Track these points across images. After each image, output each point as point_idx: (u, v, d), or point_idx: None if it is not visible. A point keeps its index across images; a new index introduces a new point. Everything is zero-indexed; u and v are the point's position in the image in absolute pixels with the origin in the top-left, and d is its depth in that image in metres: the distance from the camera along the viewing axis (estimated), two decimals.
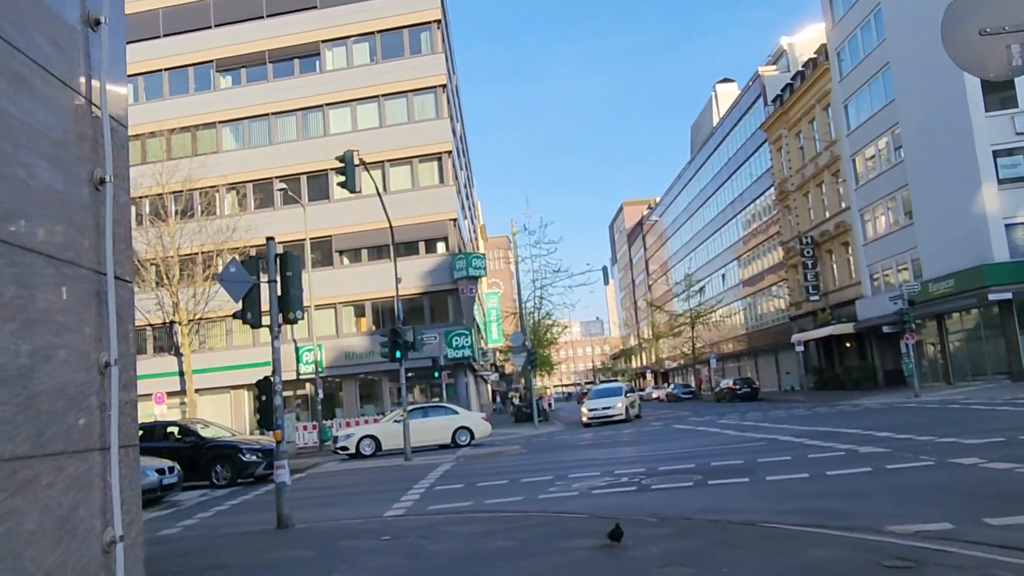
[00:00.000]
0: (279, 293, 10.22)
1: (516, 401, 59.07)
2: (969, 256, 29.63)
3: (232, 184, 36.78)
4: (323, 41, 37.49)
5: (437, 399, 32.59)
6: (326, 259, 35.97)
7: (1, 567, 2.66)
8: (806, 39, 51.57)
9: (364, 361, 34.20)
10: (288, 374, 24.32)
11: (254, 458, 18.10)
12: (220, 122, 37.78)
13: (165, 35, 38.06)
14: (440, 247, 35.94)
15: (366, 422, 27.37)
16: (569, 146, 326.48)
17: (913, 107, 33.31)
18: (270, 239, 10.59)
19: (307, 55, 37.71)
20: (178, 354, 34.82)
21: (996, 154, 29.27)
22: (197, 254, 33.50)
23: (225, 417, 32.77)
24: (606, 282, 49.66)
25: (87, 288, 3.38)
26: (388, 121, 36.68)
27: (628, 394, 34.52)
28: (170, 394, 32.46)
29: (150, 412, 28.28)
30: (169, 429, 19.40)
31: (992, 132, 29.19)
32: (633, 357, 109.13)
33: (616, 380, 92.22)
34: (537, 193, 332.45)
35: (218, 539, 9.79)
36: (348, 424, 29.65)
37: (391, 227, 22.52)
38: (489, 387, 61.88)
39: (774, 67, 53.74)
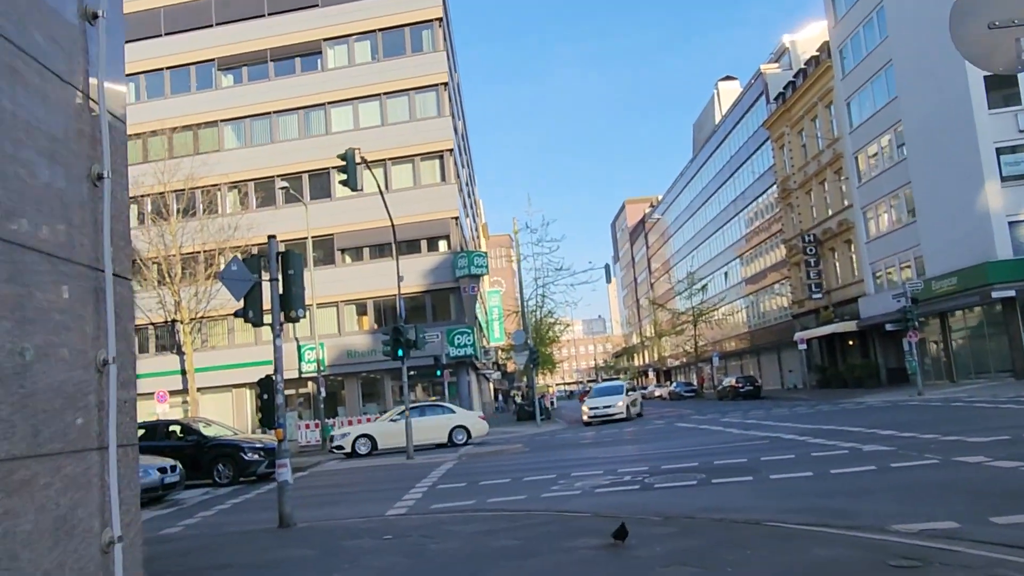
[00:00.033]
0: (281, 291, 10.19)
1: (518, 399, 59.12)
2: (972, 254, 29.55)
3: (234, 183, 36.78)
4: (325, 39, 37.46)
5: (434, 398, 32.63)
6: (328, 257, 35.96)
7: None
8: (808, 37, 51.48)
9: (366, 360, 34.20)
10: (290, 373, 24.23)
11: (256, 457, 18.10)
12: (222, 120, 37.78)
13: (167, 34, 38.07)
14: (442, 245, 35.91)
15: (368, 420, 27.35)
16: (570, 145, 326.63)
17: (916, 104, 33.22)
18: (272, 237, 10.57)
19: (309, 53, 37.70)
20: (180, 353, 34.83)
21: (999, 151, 29.18)
22: (199, 253, 33.50)
23: (227, 416, 32.77)
24: (608, 280, 49.55)
25: (85, 285, 3.34)
26: (390, 119, 36.65)
27: (629, 392, 34.48)
28: (172, 393, 32.48)
29: (152, 411, 28.29)
30: (171, 428, 19.42)
31: (995, 129, 29.10)
32: (635, 355, 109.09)
33: (618, 378, 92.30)
34: (539, 192, 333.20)
35: (220, 538, 9.76)
36: (350, 422, 29.64)
37: (393, 225, 22.49)
38: (491, 385, 61.88)
39: (776, 65, 53.64)
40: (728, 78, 71.13)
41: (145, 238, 32.78)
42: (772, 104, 50.31)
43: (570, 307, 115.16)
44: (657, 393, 67.53)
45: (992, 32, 4.02)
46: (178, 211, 34.15)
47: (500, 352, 62.98)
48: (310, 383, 33.31)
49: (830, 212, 43.00)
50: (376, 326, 34.89)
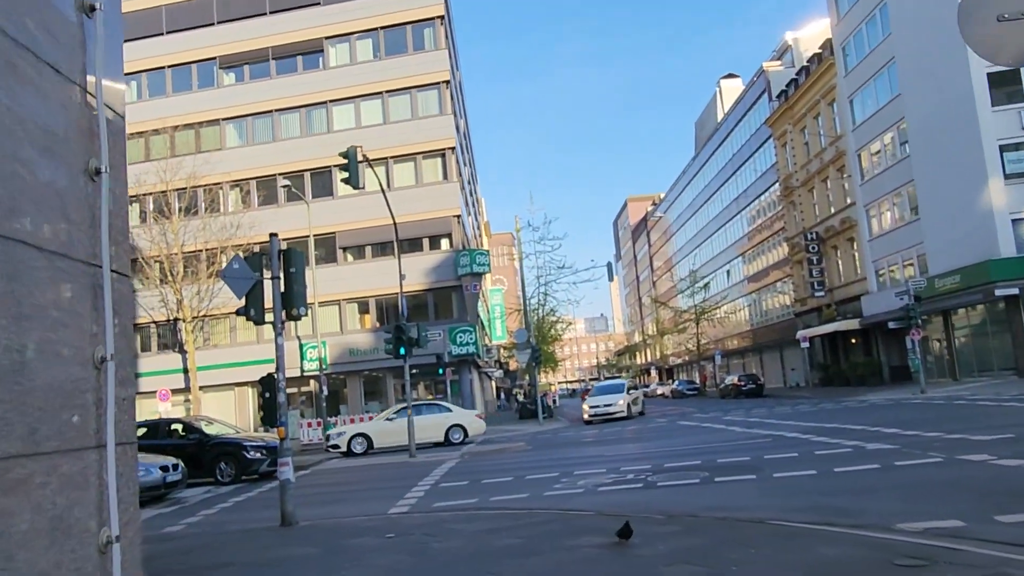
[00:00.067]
0: (282, 290, 10.17)
1: (520, 398, 59.03)
2: (975, 251, 29.47)
3: (236, 181, 36.78)
4: (326, 38, 37.43)
5: (432, 397, 32.63)
6: (330, 256, 35.95)
7: None
8: (811, 34, 51.34)
9: (368, 358, 34.19)
10: (292, 371, 24.16)
11: (258, 455, 18.09)
12: (224, 119, 37.76)
13: (168, 32, 38.07)
14: (444, 243, 35.89)
15: (370, 418, 27.34)
16: (572, 144, 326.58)
17: (919, 102, 33.12)
18: (273, 235, 10.54)
19: (310, 52, 37.68)
20: (182, 351, 34.85)
21: (1003, 149, 29.10)
22: (201, 251, 33.52)
23: (229, 414, 32.80)
24: (610, 278, 49.60)
25: (82, 282, 3.30)
26: (392, 117, 36.62)
27: (631, 391, 34.44)
28: (174, 391, 32.51)
29: (154, 409, 28.32)
30: (173, 426, 19.42)
31: (999, 127, 29.01)
32: (638, 353, 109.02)
33: (619, 377, 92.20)
34: (540, 190, 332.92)
35: (221, 536, 9.74)
36: (351, 421, 29.63)
37: (395, 224, 22.46)
38: (493, 383, 61.85)
39: (779, 62, 53.50)
40: (730, 76, 71.01)
41: (147, 237, 32.81)
42: (774, 102, 50.20)
43: (572, 305, 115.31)
44: (659, 391, 67.47)
45: (1001, 25, 3.97)
46: (180, 210, 34.15)
47: (502, 350, 62.97)
48: (312, 381, 33.31)
49: (832, 210, 42.92)
50: (378, 324, 34.87)
